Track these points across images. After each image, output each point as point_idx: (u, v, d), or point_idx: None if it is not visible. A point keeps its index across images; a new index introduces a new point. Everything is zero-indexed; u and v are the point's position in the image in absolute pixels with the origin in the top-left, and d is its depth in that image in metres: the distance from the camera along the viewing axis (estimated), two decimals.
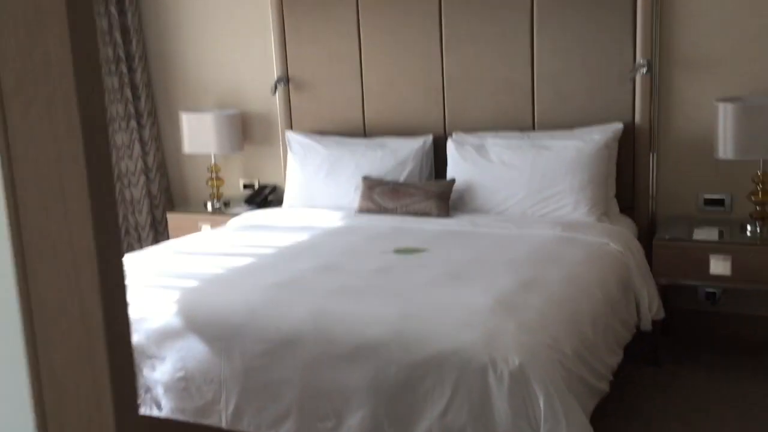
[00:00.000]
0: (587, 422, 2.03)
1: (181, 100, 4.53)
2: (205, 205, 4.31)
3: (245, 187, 4.51)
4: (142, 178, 4.44)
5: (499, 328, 2.12)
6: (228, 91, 4.42)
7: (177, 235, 4.19)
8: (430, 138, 3.78)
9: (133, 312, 2.42)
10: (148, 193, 4.51)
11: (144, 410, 2.45)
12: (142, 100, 4.44)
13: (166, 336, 2.40)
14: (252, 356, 2.28)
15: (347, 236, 3.18)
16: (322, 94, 4.06)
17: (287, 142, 4.03)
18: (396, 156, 3.73)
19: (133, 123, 4.40)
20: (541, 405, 1.94)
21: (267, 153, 4.40)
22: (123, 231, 4.38)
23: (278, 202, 4.09)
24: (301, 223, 3.47)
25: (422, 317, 2.21)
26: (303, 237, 3.21)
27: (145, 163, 4.49)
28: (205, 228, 4.13)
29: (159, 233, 4.52)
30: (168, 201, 4.64)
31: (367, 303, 2.34)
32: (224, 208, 4.27)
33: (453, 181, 3.53)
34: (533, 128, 3.64)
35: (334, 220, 3.48)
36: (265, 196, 4.31)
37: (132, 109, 4.39)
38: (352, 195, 3.70)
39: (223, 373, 2.31)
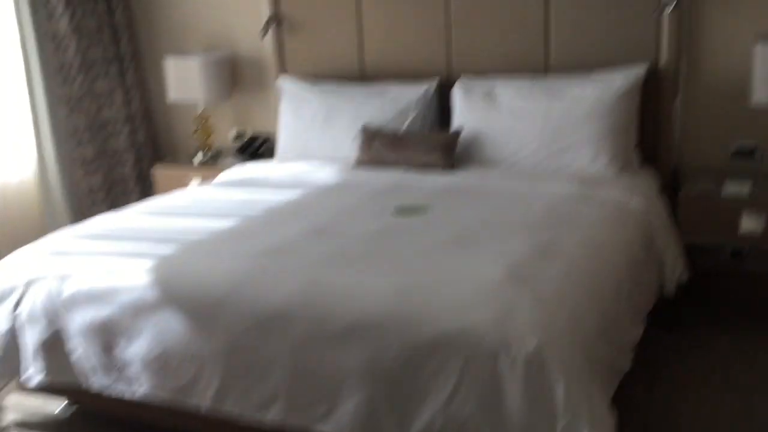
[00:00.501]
0: (610, 413, 1.80)
1: (165, 42, 4.20)
2: (194, 157, 4.03)
3: (236, 137, 4.22)
4: (126, 128, 4.15)
5: (512, 304, 1.87)
6: (216, 32, 4.09)
7: (165, 190, 3.93)
8: (434, 83, 3.46)
9: (105, 281, 2.19)
10: (133, 144, 4.22)
11: (119, 389, 2.24)
12: (123, 42, 4.11)
13: (141, 309, 2.16)
14: (236, 333, 2.05)
15: (344, 193, 2.91)
16: (318, 36, 3.73)
17: (280, 89, 3.72)
18: (397, 103, 3.43)
19: (114, 68, 4.08)
20: (560, 394, 1.71)
21: (259, 100, 4.10)
22: (108, 185, 4.11)
23: (271, 153, 3.81)
24: (294, 178, 3.20)
25: (425, 291, 1.96)
26: (295, 194, 2.94)
27: (128, 111, 4.19)
28: (194, 182, 3.86)
29: (146, 187, 4.25)
30: (155, 152, 4.35)
31: (364, 274, 2.09)
32: (214, 160, 4.00)
33: (459, 131, 3.24)
34: (546, 72, 3.32)
35: (329, 174, 3.20)
36: (257, 147, 4.02)
37: (112, 53, 4.07)
38: (349, 146, 3.42)
39: (204, 351, 2.08)
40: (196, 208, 2.83)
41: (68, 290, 2.27)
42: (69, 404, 2.63)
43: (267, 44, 3.88)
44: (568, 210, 2.60)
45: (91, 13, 3.95)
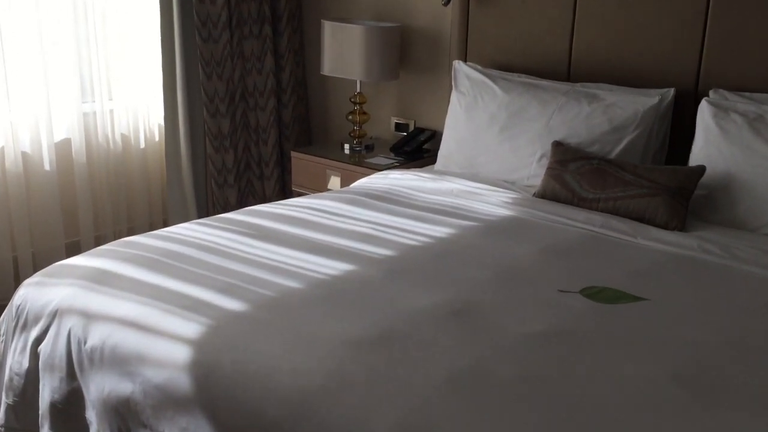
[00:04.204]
0: None
1: (330, 4, 3.48)
2: (342, 146, 3.30)
3: (398, 127, 3.42)
4: (272, 101, 3.49)
5: None
6: None
7: (301, 181, 3.26)
8: (670, 94, 2.42)
9: (132, 342, 1.48)
10: (278, 120, 3.57)
11: None
12: None
13: (168, 400, 1.43)
14: None
15: (509, 242, 2.00)
16: (515, 11, 2.80)
17: (454, 76, 2.85)
18: (611, 116, 2.43)
19: (268, 29, 3.42)
20: None
21: (430, 86, 3.26)
22: (242, 165, 3.50)
23: (436, 152, 2.96)
24: (447, 203, 2.33)
25: None
26: (440, 232, 2.07)
27: (278, 81, 3.53)
28: (333, 180, 3.12)
29: (286, 171, 3.60)
30: (303, 132, 3.68)
31: (501, 427, 1.19)
32: (365, 153, 3.23)
33: (701, 169, 2.19)
34: None
35: (496, 206, 2.29)
36: (420, 144, 3.20)
37: (267, 11, 3.41)
38: (533, 167, 2.48)
39: None
40: (306, 231, 2.06)
41: (92, 339, 1.60)
42: None
43: (448, 17, 3.02)
44: None
45: None
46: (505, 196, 2.37)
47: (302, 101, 3.65)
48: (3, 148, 2.87)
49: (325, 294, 1.66)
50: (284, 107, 3.57)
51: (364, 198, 2.39)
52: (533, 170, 2.47)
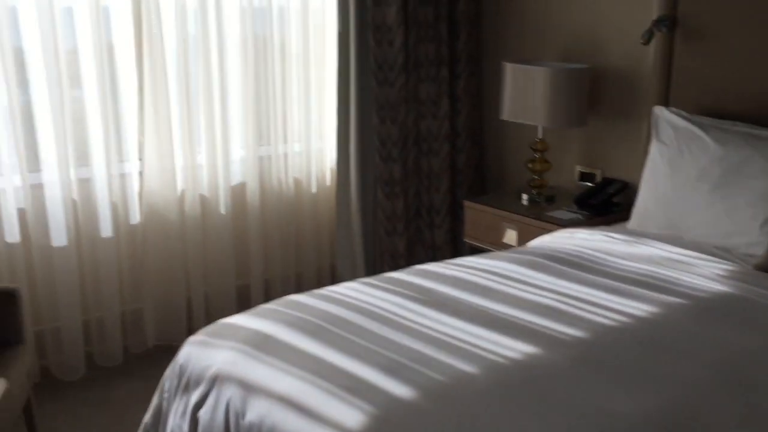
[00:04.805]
0: None
1: (512, 44, 3.26)
2: (519, 196, 3.04)
3: (582, 177, 3.11)
4: (446, 146, 3.32)
5: None
6: (579, 36, 3.01)
7: (473, 232, 3.06)
8: None
9: (290, 424, 1.33)
10: (452, 166, 3.38)
11: None
12: (461, 40, 3.28)
13: None
14: None
15: (729, 328, 1.64)
16: (728, 49, 2.43)
17: (654, 123, 2.51)
18: None
19: (445, 71, 3.27)
20: None
21: (622, 132, 2.93)
22: (411, 212, 3.35)
23: (627, 207, 2.64)
24: (645, 272, 2.00)
25: None
26: (640, 309, 1.75)
27: (452, 125, 3.36)
28: (509, 234, 2.88)
29: (458, 220, 3.40)
30: (477, 180, 3.47)
31: None
32: (545, 205, 2.96)
33: None
34: None
35: (708, 277, 1.93)
36: (609, 197, 2.87)
37: (446, 52, 3.26)
38: (754, 233, 2.09)
39: None
40: (481, 299, 1.83)
41: (251, 414, 1.48)
42: None
43: (647, 57, 2.69)
44: None
45: (428, 1, 3.17)
46: (718, 267, 2.01)
47: (478, 147, 3.45)
48: (183, 191, 2.93)
49: (504, 383, 1.42)
50: (459, 153, 3.39)
51: (547, 261, 2.12)
52: (754, 237, 2.08)
